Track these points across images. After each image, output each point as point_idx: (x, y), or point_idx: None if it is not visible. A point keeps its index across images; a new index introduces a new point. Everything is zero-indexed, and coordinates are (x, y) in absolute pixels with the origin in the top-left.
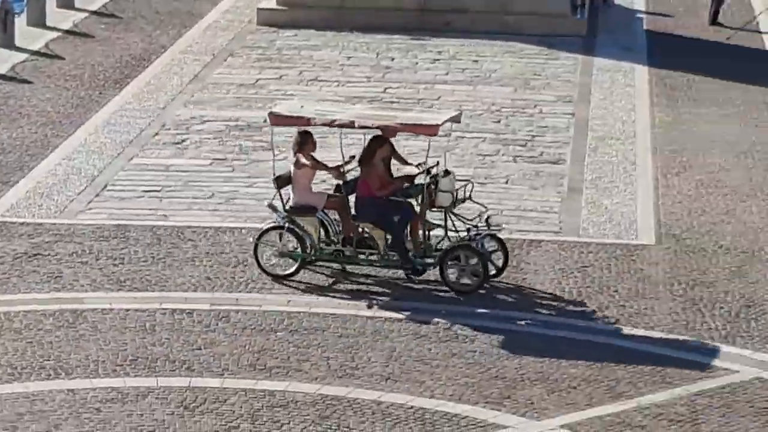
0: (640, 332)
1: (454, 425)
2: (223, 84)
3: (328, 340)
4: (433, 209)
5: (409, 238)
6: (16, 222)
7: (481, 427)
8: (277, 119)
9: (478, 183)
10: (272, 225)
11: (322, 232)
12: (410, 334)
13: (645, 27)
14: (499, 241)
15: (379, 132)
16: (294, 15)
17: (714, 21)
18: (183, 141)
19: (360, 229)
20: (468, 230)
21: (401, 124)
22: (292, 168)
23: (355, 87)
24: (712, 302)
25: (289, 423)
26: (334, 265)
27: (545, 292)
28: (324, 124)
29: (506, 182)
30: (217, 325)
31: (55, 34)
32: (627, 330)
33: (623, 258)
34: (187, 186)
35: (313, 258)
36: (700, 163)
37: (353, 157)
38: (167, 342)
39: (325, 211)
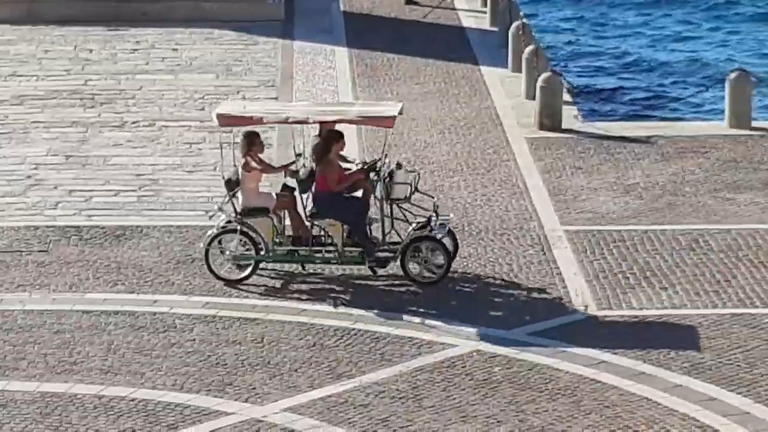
0: (358, 312)
1: (177, 414)
2: None
3: (44, 337)
4: (395, 201)
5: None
6: None
7: (205, 414)
8: (226, 120)
9: (186, 171)
10: (223, 229)
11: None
12: (127, 326)
13: (342, 8)
14: (449, 230)
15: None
16: None
17: (410, 0)
18: None
19: (312, 227)
20: (429, 220)
21: (359, 117)
22: (240, 170)
23: (55, 81)
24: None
25: (9, 423)
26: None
27: (259, 277)
28: (277, 122)
29: (215, 169)
30: None
31: None
32: (344, 310)
33: None
34: None
35: (267, 260)
36: (406, 140)
37: (300, 154)
38: None
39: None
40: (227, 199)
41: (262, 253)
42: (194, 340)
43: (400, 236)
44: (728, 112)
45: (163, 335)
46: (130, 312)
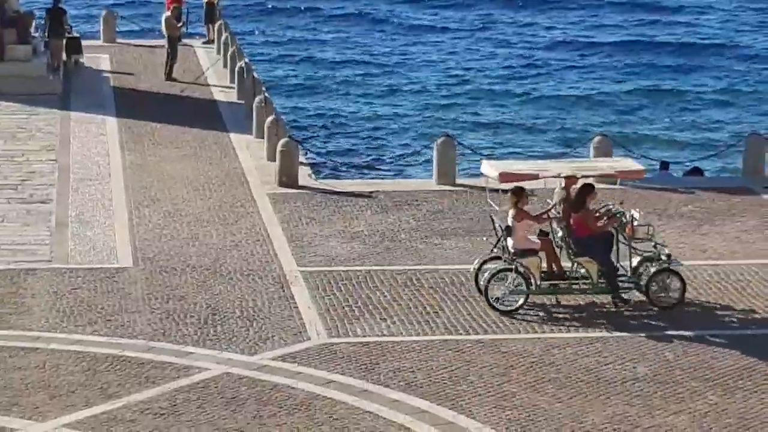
0: (126, 341)
1: None
2: None
3: None
4: (636, 240)
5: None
6: None
7: None
8: (507, 177)
9: None
10: (501, 267)
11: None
12: None
13: (112, 84)
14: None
15: (591, 180)
16: None
17: (169, 77)
18: None
19: (573, 264)
20: (669, 256)
21: (616, 171)
22: (510, 220)
23: None
24: (184, 313)
25: None
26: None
27: (42, 313)
28: (551, 177)
29: (2, 221)
30: None
31: None
32: (114, 340)
33: (107, 280)
34: None
35: (535, 293)
36: (166, 196)
37: (555, 204)
38: None
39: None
40: (497, 242)
41: (532, 287)
42: None
43: (624, 269)
44: (435, 171)
45: None
46: None
